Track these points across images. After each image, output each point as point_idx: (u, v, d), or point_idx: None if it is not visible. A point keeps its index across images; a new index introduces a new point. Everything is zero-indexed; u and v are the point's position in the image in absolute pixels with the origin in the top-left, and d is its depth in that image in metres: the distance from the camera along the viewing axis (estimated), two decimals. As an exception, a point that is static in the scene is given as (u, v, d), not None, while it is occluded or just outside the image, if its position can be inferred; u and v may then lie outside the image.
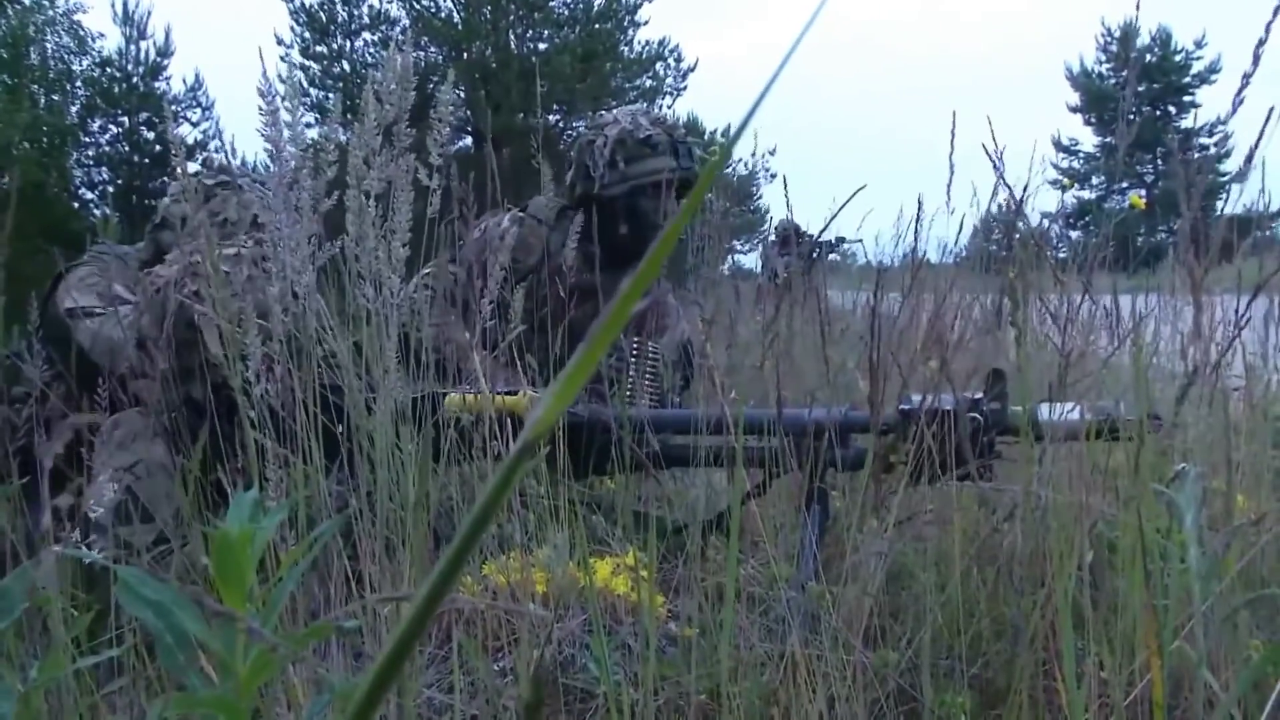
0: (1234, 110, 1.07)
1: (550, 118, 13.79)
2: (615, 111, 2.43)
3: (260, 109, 1.06)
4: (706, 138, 16.89)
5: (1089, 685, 0.89)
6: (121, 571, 0.50)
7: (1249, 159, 1.05)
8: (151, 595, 0.49)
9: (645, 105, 2.57)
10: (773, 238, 8.32)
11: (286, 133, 1.08)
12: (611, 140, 2.33)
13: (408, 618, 0.25)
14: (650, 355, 2.21)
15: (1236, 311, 1.23)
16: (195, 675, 0.47)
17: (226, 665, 0.47)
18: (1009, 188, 1.14)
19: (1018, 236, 1.32)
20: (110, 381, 1.45)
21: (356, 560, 1.16)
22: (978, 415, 1.29)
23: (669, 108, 14.86)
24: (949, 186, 1.37)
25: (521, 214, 2.41)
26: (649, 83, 15.14)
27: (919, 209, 1.60)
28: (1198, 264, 0.99)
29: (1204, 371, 1.00)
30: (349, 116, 1.23)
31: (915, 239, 1.58)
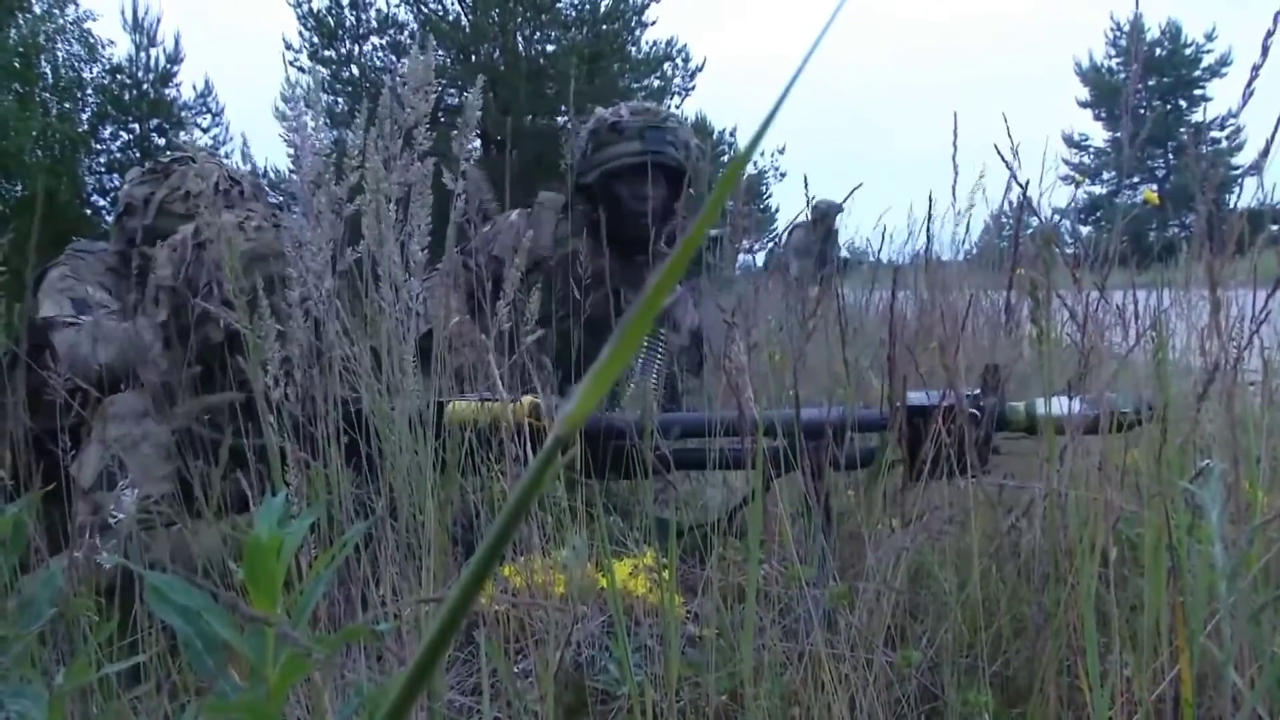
0: (1244, 102, 1.07)
1: (559, 119, 13.78)
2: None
3: (284, 116, 1.06)
4: (715, 137, 16.86)
5: (1113, 683, 0.89)
6: (150, 577, 0.50)
7: (1265, 152, 1.04)
8: (181, 600, 0.50)
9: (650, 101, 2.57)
10: (805, 217, 8.12)
11: (309, 138, 1.08)
12: (587, 130, 2.37)
13: (442, 614, 0.25)
14: (661, 346, 2.24)
15: (1253, 306, 1.22)
16: (226, 680, 0.47)
17: (256, 670, 0.47)
18: (1023, 187, 1.14)
19: (1030, 232, 1.31)
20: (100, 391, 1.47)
21: (373, 560, 1.16)
22: (975, 411, 1.29)
23: (677, 107, 14.85)
24: (954, 188, 1.37)
25: (528, 209, 2.44)
26: (657, 83, 15.13)
27: (930, 207, 1.60)
28: (1214, 259, 0.99)
29: (1224, 368, 1.00)
30: (356, 120, 1.24)
31: (929, 238, 1.58)
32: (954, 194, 1.56)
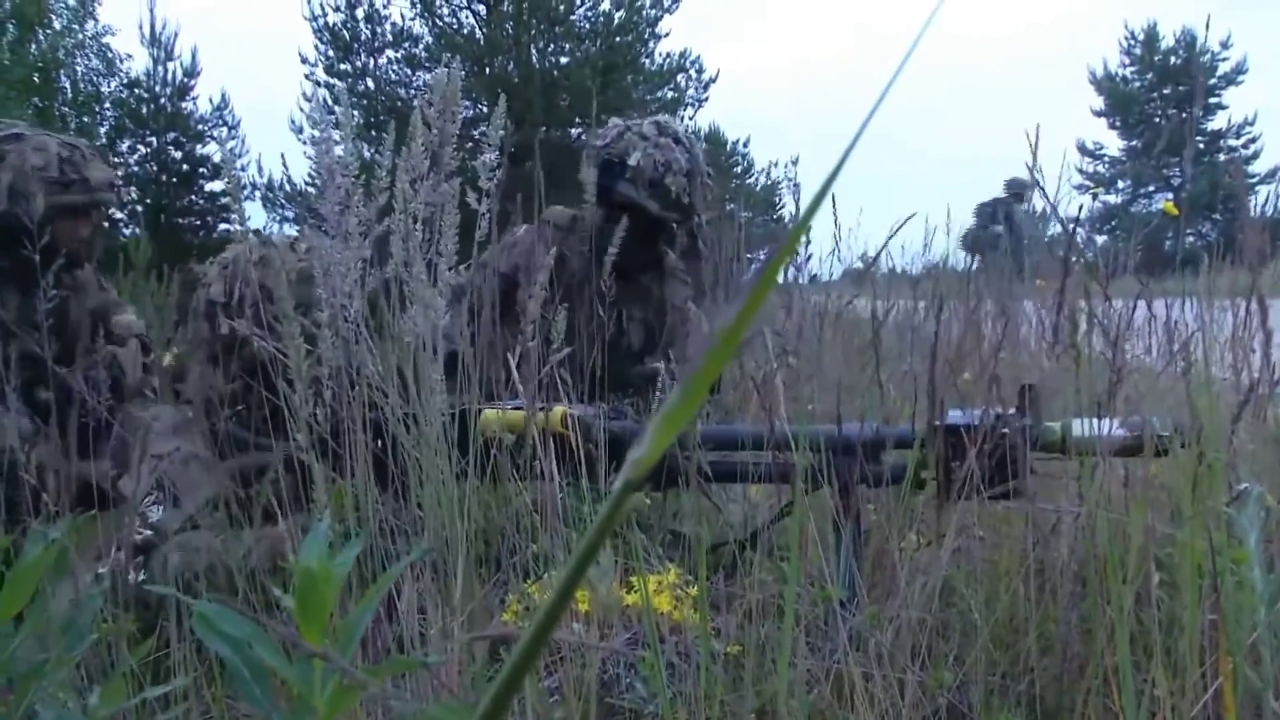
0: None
1: (572, 131, 13.81)
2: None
3: (310, 137, 1.07)
4: (729, 148, 16.86)
5: (1147, 704, 0.88)
6: (198, 606, 0.50)
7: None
8: (229, 629, 0.50)
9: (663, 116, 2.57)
10: (1003, 194, 8.32)
11: (336, 160, 1.08)
12: (592, 145, 2.42)
13: (519, 652, 0.25)
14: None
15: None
16: (274, 709, 0.48)
17: (304, 699, 0.48)
18: (1054, 205, 1.14)
19: (1045, 241, 1.31)
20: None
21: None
22: (1012, 431, 1.28)
23: (690, 119, 14.86)
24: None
25: (534, 225, 2.45)
26: (670, 95, 15.14)
27: (949, 223, 1.60)
28: (1256, 273, 0.98)
29: (1260, 387, 0.99)
30: (374, 133, 1.24)
31: (948, 253, 1.57)
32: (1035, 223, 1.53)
